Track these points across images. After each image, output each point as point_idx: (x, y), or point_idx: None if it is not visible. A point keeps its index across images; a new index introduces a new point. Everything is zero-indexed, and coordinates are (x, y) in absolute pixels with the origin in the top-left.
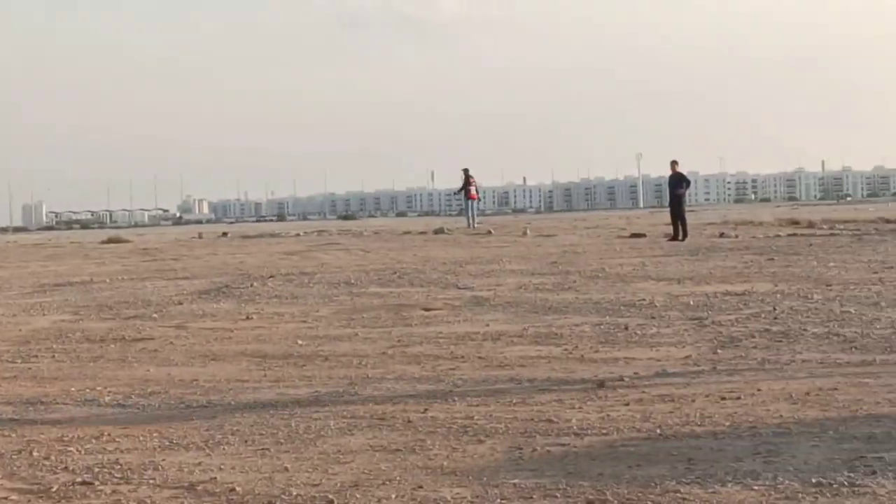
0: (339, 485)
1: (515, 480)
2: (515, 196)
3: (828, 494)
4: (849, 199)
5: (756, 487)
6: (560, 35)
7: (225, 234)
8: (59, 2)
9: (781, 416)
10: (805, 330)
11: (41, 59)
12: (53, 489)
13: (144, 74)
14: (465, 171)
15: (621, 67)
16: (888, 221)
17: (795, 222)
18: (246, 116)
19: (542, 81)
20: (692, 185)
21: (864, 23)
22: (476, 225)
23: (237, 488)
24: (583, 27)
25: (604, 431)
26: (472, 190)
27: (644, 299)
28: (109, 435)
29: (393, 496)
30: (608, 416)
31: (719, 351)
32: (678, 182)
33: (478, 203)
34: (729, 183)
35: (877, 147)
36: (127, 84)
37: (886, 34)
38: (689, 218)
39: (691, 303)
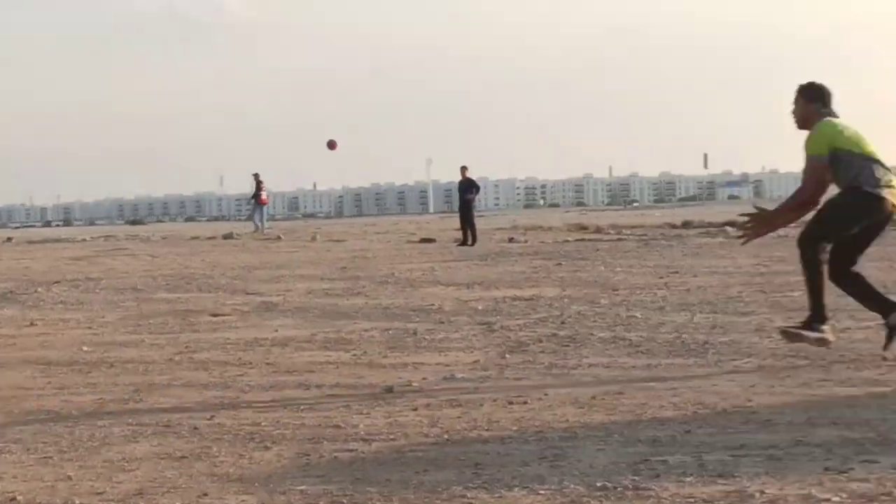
0: (123, 493)
1: (302, 487)
2: (306, 201)
3: (612, 498)
4: (636, 204)
5: (542, 492)
6: (348, 40)
7: (10, 239)
8: None
9: (568, 420)
10: (592, 334)
11: None
12: None
13: None
14: (256, 175)
15: (410, 73)
16: (674, 227)
17: (583, 227)
18: (31, 119)
19: (331, 86)
20: (482, 190)
21: (649, 35)
22: (266, 230)
23: (18, 497)
24: (369, 31)
25: (392, 437)
26: (263, 195)
27: (433, 304)
28: None
29: None
30: (396, 421)
31: (507, 356)
32: (468, 187)
33: (267, 208)
34: (518, 188)
35: (663, 153)
36: None
37: (670, 46)
38: (479, 223)
39: (480, 308)
